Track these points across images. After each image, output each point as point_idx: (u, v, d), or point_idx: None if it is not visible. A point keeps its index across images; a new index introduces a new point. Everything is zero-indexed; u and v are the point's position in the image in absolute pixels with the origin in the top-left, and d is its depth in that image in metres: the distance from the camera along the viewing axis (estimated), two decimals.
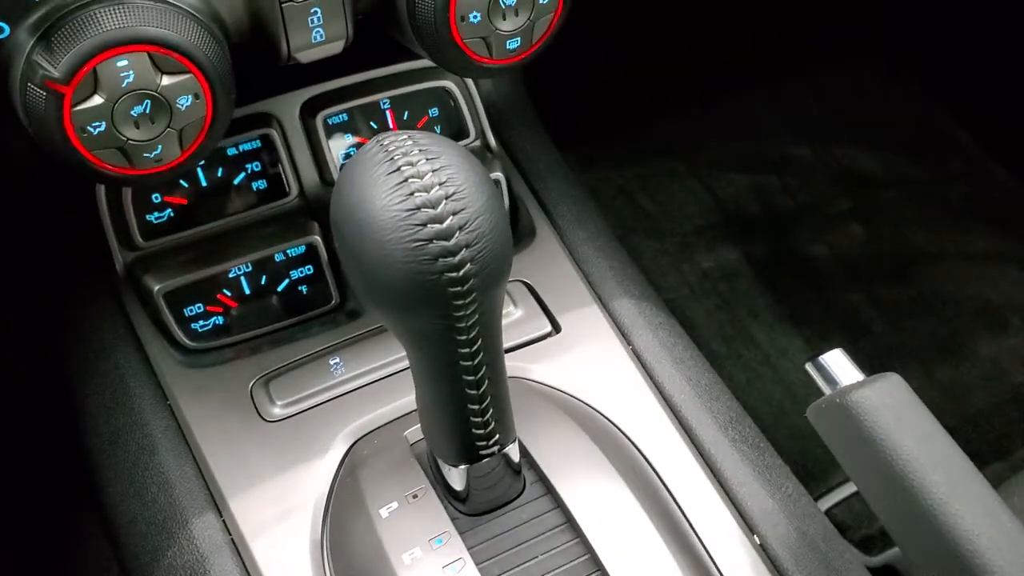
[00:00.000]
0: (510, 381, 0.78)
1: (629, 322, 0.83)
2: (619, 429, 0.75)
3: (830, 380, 0.64)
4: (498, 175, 0.91)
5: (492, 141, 0.95)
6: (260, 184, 0.87)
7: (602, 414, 0.76)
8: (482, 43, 0.71)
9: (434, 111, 0.92)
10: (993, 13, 1.64)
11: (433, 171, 0.54)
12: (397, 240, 0.53)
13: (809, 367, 0.66)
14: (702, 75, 1.63)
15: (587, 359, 0.80)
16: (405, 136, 0.56)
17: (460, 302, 0.55)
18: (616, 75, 1.63)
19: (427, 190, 0.53)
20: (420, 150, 0.55)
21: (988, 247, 1.53)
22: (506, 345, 0.80)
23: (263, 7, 0.67)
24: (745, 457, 0.75)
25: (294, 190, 0.88)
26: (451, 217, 0.53)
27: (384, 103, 0.90)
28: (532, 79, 1.58)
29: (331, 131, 0.89)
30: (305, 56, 0.71)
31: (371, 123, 0.91)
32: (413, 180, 0.53)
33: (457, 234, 0.53)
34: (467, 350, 0.58)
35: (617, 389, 0.78)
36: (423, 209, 0.53)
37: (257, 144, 0.87)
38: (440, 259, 0.53)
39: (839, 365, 0.65)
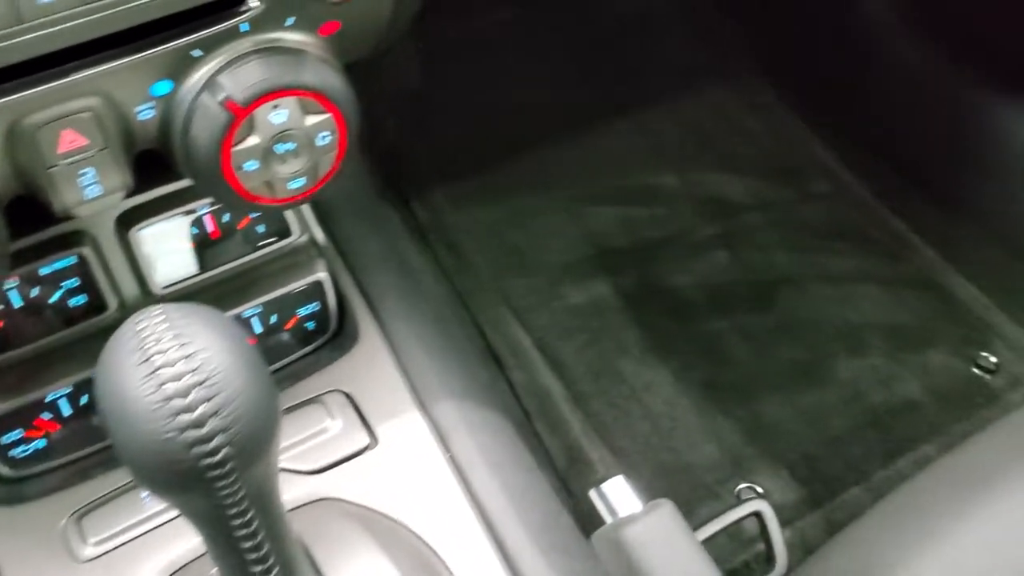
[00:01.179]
0: (322, 503, 0.80)
1: (448, 426, 0.84)
2: (429, 547, 0.77)
3: (610, 510, 0.67)
4: (321, 276, 0.92)
5: (318, 236, 0.95)
6: (78, 301, 0.87)
7: (413, 532, 0.78)
8: (265, 187, 0.72)
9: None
10: (852, 34, 1.68)
11: (185, 358, 0.54)
12: (149, 432, 0.54)
13: (592, 495, 0.68)
14: (566, 107, 1.64)
15: (404, 472, 0.81)
16: (161, 318, 0.56)
17: (222, 483, 0.56)
18: (482, 111, 1.63)
19: (177, 379, 0.53)
20: (174, 335, 0.55)
21: (849, 268, 1.58)
22: (321, 463, 0.83)
23: (27, 171, 0.67)
24: (552, 566, 0.77)
25: (113, 305, 0.87)
26: (203, 405, 0.54)
27: (203, 208, 0.90)
28: (398, 122, 1.58)
29: (149, 242, 0.88)
30: (82, 211, 0.71)
31: (192, 228, 0.91)
32: (163, 370, 0.54)
33: (210, 421, 0.54)
34: (240, 520, 0.59)
35: (432, 502, 0.80)
36: (174, 400, 0.53)
37: (73, 260, 0.86)
38: (194, 447, 0.54)
39: (618, 494, 0.67)
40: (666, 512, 0.64)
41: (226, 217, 0.91)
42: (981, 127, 1.56)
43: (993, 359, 1.47)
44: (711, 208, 1.63)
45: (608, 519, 0.67)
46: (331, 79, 0.70)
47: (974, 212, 1.60)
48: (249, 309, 0.90)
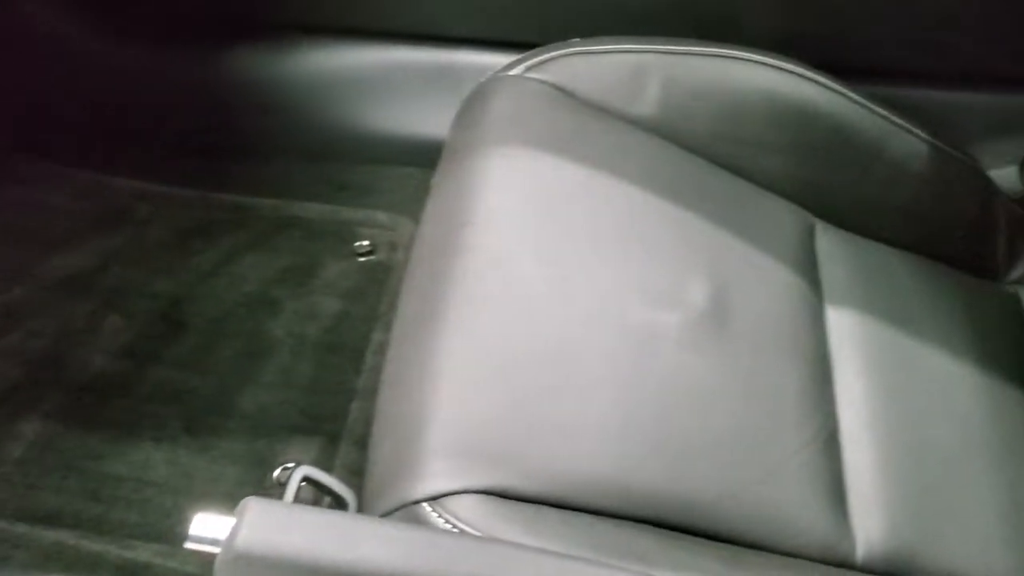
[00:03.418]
0: None
1: None
2: None
3: (211, 542, 0.69)
4: None
5: None
6: None
7: None
8: None
9: None
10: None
11: None
12: None
13: (190, 546, 0.70)
14: None
15: None
16: None
17: None
18: None
19: None
20: None
21: (217, 256, 1.68)
22: None
23: None
24: None
25: None
26: None
27: None
28: None
29: None
30: None
31: None
32: None
33: None
34: None
35: None
36: None
37: None
38: None
39: (208, 527, 0.69)
40: (253, 504, 0.67)
41: None
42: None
43: (365, 243, 1.70)
44: (94, 301, 1.59)
45: (217, 551, 0.69)
46: None
47: (265, 153, 1.80)
48: None
